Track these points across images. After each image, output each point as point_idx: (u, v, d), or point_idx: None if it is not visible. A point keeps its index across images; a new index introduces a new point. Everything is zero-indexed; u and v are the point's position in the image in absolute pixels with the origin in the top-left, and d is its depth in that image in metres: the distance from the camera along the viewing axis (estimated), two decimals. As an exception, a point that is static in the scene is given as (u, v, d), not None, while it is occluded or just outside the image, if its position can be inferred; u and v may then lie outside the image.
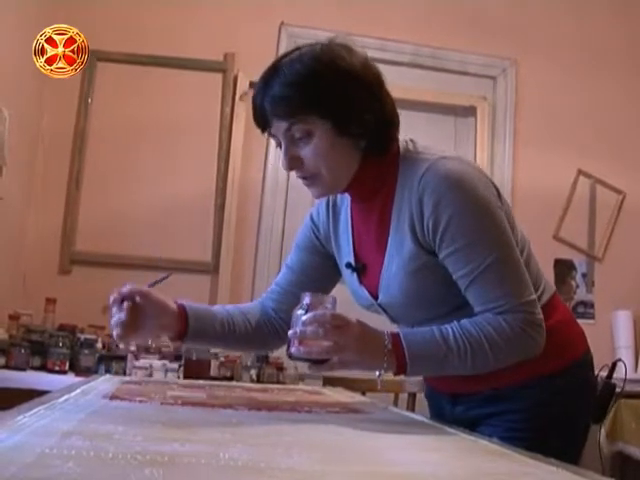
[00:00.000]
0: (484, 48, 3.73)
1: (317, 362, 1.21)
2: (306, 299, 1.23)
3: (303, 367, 1.31)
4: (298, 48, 1.30)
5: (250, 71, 3.24)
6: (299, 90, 1.23)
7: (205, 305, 1.51)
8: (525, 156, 3.71)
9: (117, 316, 1.29)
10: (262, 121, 1.29)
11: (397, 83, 3.44)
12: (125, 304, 1.29)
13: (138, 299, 1.31)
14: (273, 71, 1.26)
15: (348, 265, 1.43)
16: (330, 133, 1.25)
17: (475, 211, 1.24)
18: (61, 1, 3.34)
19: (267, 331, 1.51)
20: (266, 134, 1.32)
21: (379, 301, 1.39)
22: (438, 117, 3.74)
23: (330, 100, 1.24)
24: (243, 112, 3.36)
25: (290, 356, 1.23)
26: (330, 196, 1.48)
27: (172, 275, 1.43)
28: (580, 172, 3.76)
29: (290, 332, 1.21)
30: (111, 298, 1.30)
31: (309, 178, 1.30)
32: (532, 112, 3.76)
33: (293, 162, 1.29)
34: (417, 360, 1.22)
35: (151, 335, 1.40)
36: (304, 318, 1.19)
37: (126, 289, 1.30)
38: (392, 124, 1.32)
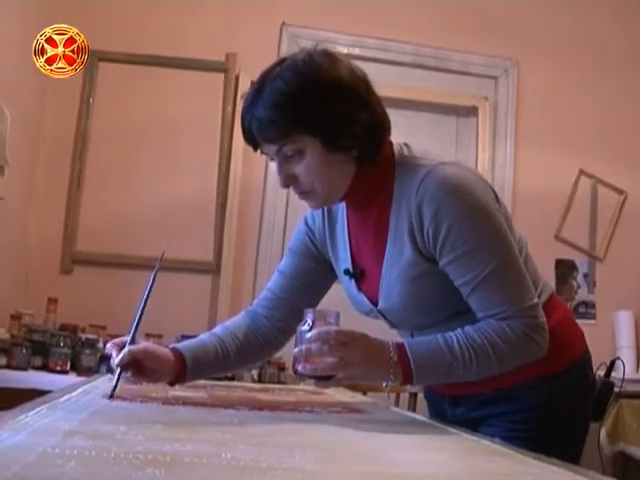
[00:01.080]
0: (486, 48, 3.73)
1: (324, 378, 1.21)
2: (309, 315, 1.22)
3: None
4: (283, 60, 1.26)
5: (251, 71, 3.20)
6: (284, 112, 1.20)
7: (197, 339, 1.48)
8: (526, 156, 3.71)
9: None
10: (252, 143, 1.28)
11: (399, 83, 3.50)
12: (130, 373, 1.31)
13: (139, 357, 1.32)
14: (257, 89, 1.24)
15: (346, 272, 1.42)
16: (321, 149, 1.23)
17: (475, 217, 1.23)
18: (63, 1, 3.34)
19: (259, 343, 1.50)
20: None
21: (379, 307, 1.38)
22: (440, 117, 3.74)
23: (316, 117, 1.21)
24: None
25: (296, 373, 1.23)
26: None
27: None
28: (581, 172, 3.75)
29: (295, 350, 1.21)
30: (113, 362, 1.31)
31: (305, 193, 1.29)
32: (533, 112, 3.75)
33: (288, 180, 1.28)
34: (423, 370, 1.22)
35: (150, 383, 1.41)
36: (309, 335, 1.18)
37: (127, 355, 1.29)
38: (383, 128, 1.30)
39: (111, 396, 1.22)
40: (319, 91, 1.21)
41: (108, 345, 1.36)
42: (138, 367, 1.31)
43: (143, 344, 1.36)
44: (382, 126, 1.30)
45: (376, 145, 1.28)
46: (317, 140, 1.22)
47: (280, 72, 1.23)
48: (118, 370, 1.28)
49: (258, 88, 1.24)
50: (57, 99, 3.33)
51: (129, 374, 1.30)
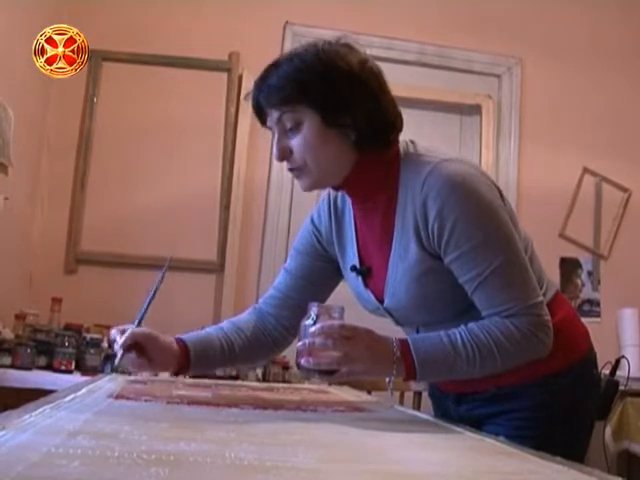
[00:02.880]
0: (489, 46, 3.73)
1: (327, 373, 1.21)
2: (314, 309, 1.22)
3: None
4: (303, 46, 1.31)
5: (255, 70, 3.19)
6: (292, 81, 1.24)
7: (203, 331, 1.49)
8: (530, 154, 3.70)
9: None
10: (259, 112, 1.31)
11: (403, 82, 3.49)
12: (133, 355, 1.31)
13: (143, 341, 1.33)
14: (273, 65, 1.29)
15: (353, 268, 1.42)
16: (319, 124, 1.25)
17: (479, 214, 1.23)
18: (66, 1, 3.34)
19: (265, 340, 1.51)
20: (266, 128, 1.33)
21: (385, 305, 1.38)
22: (443, 115, 3.74)
23: (321, 93, 1.24)
24: (248, 111, 3.36)
25: (299, 366, 1.23)
26: (331, 198, 1.47)
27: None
28: (585, 170, 3.75)
29: (299, 344, 1.21)
30: (116, 346, 1.31)
31: (297, 169, 1.30)
32: (537, 110, 3.75)
33: (283, 152, 1.29)
34: (426, 366, 1.22)
35: (153, 372, 1.41)
36: (312, 329, 1.18)
37: (129, 336, 1.30)
38: (391, 125, 1.31)
39: (113, 370, 1.23)
40: (330, 73, 1.25)
41: (112, 330, 1.36)
42: (141, 349, 1.32)
43: (147, 329, 1.36)
44: (389, 121, 1.30)
45: (378, 136, 1.29)
46: (317, 113, 1.25)
47: (300, 53, 1.28)
48: (121, 352, 1.29)
49: (275, 63, 1.29)
50: (61, 99, 3.34)
51: (133, 354, 1.31)
